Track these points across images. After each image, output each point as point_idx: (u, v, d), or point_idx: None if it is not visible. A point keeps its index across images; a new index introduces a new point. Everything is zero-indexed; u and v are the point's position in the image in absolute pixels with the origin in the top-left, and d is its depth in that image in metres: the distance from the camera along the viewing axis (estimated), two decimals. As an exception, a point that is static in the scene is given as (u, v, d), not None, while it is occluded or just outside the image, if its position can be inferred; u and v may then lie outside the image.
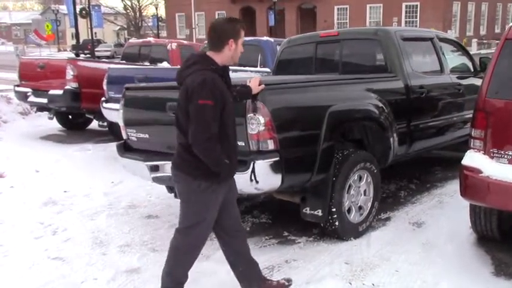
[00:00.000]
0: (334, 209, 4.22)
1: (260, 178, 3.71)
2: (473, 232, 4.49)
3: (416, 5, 38.71)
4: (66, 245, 4.46)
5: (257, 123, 3.66)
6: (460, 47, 6.47)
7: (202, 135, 2.90)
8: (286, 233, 4.69)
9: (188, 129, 2.96)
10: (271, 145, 3.71)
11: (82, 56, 26.41)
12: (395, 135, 4.84)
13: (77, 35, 26.96)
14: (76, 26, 22.42)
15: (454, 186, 6.03)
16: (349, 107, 4.40)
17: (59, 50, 49.27)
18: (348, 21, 41.06)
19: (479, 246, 4.34)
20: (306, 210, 4.26)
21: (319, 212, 4.18)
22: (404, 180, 6.31)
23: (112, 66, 8.20)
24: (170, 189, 4.56)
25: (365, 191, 4.60)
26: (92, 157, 7.88)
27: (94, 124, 9.77)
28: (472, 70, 6.48)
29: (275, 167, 3.74)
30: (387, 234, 4.59)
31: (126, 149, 4.72)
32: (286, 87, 3.94)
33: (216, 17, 48.34)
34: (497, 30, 45.15)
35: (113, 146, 8.06)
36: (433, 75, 5.61)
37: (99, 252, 4.29)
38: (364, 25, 36.09)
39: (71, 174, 6.71)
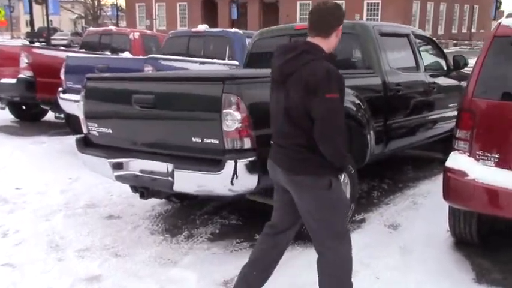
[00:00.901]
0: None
1: (235, 180, 3.43)
2: (450, 235, 4.34)
3: (378, 3, 39.25)
4: (17, 249, 4.06)
5: (233, 119, 3.37)
6: (434, 45, 6.34)
7: (333, 131, 2.60)
8: (258, 236, 4.42)
9: (307, 126, 2.63)
10: (247, 143, 3.43)
11: (37, 44, 25.37)
12: (372, 133, 4.65)
13: (31, 22, 25.92)
14: (31, 13, 21.52)
15: (426, 186, 5.93)
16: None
17: (12, 37, 47.43)
18: (310, 17, 41.06)
19: (458, 251, 4.19)
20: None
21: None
22: (376, 179, 6.14)
23: (70, 54, 7.72)
24: (134, 188, 4.21)
25: (342, 192, 4.38)
26: (47, 151, 7.40)
27: (50, 115, 9.23)
28: (445, 68, 6.37)
29: (251, 167, 3.46)
30: (364, 238, 4.38)
31: (87, 144, 4.35)
32: (263, 81, 3.65)
33: (178, 8, 47.69)
34: (454, 31, 46.29)
35: (69, 139, 7.66)
36: (409, 72, 5.45)
37: (55, 258, 3.91)
38: (326, 21, 36.06)
39: (24, 170, 6.25)
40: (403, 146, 5.42)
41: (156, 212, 4.92)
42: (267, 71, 4.61)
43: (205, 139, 3.52)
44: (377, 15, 38.85)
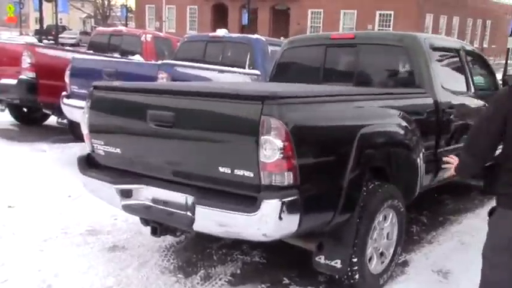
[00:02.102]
0: (355, 259, 3.31)
1: (271, 222, 2.76)
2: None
3: (390, 14, 38.69)
4: (1, 289, 3.40)
5: (273, 148, 2.71)
6: (483, 61, 5.66)
7: None
8: (286, 280, 3.75)
9: None
10: (288, 178, 2.76)
11: (45, 42, 24.81)
12: (423, 162, 3.97)
13: (40, 20, 25.36)
14: (40, 10, 20.99)
15: (470, 221, 5.25)
16: (381, 128, 3.50)
17: (21, 34, 47.00)
18: (321, 25, 40.67)
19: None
20: (320, 259, 3.33)
21: (338, 264, 3.27)
22: (413, 210, 5.46)
23: (77, 56, 7.07)
24: (145, 221, 3.55)
25: (388, 234, 3.71)
26: (47, 160, 6.74)
27: (52, 119, 8.58)
28: (493, 89, 5.71)
29: (292, 208, 2.79)
30: (412, 287, 3.71)
31: (91, 164, 3.68)
32: (309, 101, 3.00)
33: (188, 11, 47.15)
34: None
35: (72, 148, 7.01)
36: (460, 93, 4.78)
37: (47, 303, 3.25)
38: (337, 30, 35.58)
39: (20, 183, 5.59)
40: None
41: (167, 242, 4.24)
42: (313, 88, 4.00)
43: (236, 170, 2.86)
44: (389, 26, 38.28)
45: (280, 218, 2.76)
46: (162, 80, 5.42)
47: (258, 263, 4.01)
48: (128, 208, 3.38)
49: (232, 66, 6.74)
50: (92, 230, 4.42)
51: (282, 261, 3.94)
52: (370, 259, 3.53)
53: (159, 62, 6.35)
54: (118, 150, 3.47)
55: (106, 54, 8.46)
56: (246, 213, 2.77)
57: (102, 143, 3.56)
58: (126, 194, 3.37)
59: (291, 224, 2.84)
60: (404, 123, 3.77)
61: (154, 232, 3.30)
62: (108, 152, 3.54)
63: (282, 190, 2.77)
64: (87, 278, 3.57)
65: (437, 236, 4.82)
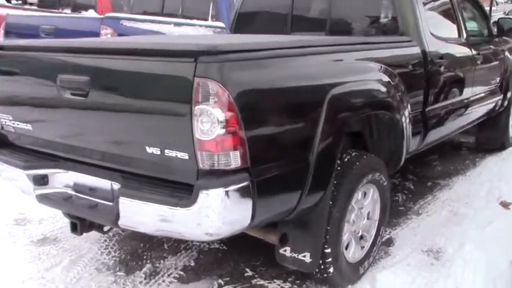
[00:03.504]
0: (328, 250, 2.69)
1: (215, 217, 2.10)
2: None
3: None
4: None
5: (212, 121, 2.02)
6: (475, 4, 4.94)
7: None
8: (249, 272, 3.14)
9: None
10: (235, 159, 2.09)
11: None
12: (409, 124, 3.32)
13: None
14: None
15: (462, 186, 4.66)
16: (358, 86, 2.80)
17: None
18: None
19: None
20: (286, 251, 2.71)
21: (307, 257, 2.64)
22: (397, 175, 4.85)
23: (12, 12, 6.20)
24: (68, 214, 2.82)
25: (368, 213, 3.10)
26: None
27: None
28: (487, 34, 5.04)
29: (241, 197, 2.13)
30: (398, 275, 3.11)
31: (1, 143, 2.96)
32: (262, 56, 2.28)
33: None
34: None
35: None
36: (452, 40, 4.10)
37: None
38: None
39: None
40: (442, 136, 4.11)
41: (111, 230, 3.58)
42: (269, 39, 3.24)
43: (166, 151, 2.17)
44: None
45: (225, 211, 2.10)
46: (106, 36, 4.64)
47: (217, 251, 3.38)
48: (43, 199, 2.68)
49: (193, 19, 5.96)
50: (21, 218, 3.74)
51: (246, 248, 3.31)
52: (347, 246, 2.92)
53: (102, 16, 5.52)
54: (29, 127, 2.75)
55: (54, 10, 7.54)
56: (180, 207, 2.10)
57: (11, 117, 2.83)
58: (40, 181, 2.68)
59: (241, 217, 2.18)
60: (386, 79, 3.09)
61: (74, 229, 2.62)
62: (17, 128, 2.82)
63: (227, 175, 2.09)
64: (6, 281, 2.91)
65: (426, 205, 4.24)
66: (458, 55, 4.12)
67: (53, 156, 2.72)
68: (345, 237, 2.85)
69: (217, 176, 2.08)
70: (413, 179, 4.82)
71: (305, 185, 2.44)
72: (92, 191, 2.59)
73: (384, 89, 3.04)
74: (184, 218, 2.13)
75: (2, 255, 3.21)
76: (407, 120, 3.28)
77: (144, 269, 3.13)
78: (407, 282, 3.04)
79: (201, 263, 3.23)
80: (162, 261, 3.24)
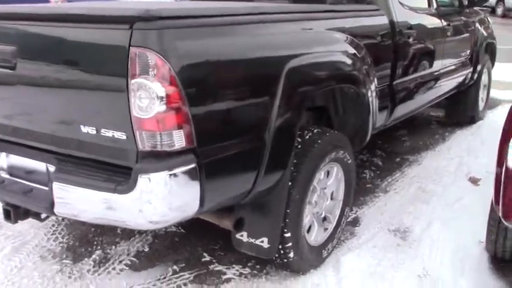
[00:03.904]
0: (288, 234, 2.52)
1: (157, 204, 1.89)
2: (485, 251, 2.99)
3: None
4: None
5: (151, 97, 1.79)
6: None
7: None
8: (207, 257, 2.95)
9: None
10: (178, 139, 1.87)
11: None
12: (375, 98, 3.15)
13: None
14: None
15: (431, 162, 4.54)
16: (320, 58, 2.59)
17: None
18: None
19: (501, 276, 2.84)
20: (242, 236, 2.52)
21: (264, 242, 2.46)
22: (364, 150, 4.69)
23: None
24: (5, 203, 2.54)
25: (332, 194, 2.92)
26: None
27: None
28: (457, 5, 4.86)
29: (187, 181, 1.92)
30: (363, 258, 2.97)
31: None
32: (208, 22, 2.03)
33: None
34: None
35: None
36: (421, 11, 3.91)
37: None
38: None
39: None
40: (410, 111, 3.95)
41: (59, 213, 3.34)
42: (217, 4, 2.99)
43: (103, 130, 1.94)
44: None
45: (169, 197, 1.89)
46: (56, 3, 4.30)
47: (174, 234, 3.18)
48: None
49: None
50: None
51: (205, 231, 3.11)
52: (309, 229, 2.75)
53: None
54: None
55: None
56: (118, 194, 1.87)
57: None
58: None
59: (188, 203, 1.98)
60: (351, 50, 2.88)
61: (8, 216, 2.37)
62: None
63: (170, 157, 1.87)
64: None
65: (394, 182, 4.09)
66: (428, 26, 3.95)
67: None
68: (307, 220, 2.68)
69: (159, 159, 1.87)
70: (382, 155, 4.67)
71: (261, 166, 2.24)
72: (28, 174, 2.35)
73: (349, 61, 2.84)
74: (123, 205, 1.91)
75: None
76: (374, 94, 3.10)
77: (94, 256, 2.92)
78: (373, 264, 2.90)
79: (155, 248, 3.03)
80: (113, 246, 3.03)
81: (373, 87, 3.10)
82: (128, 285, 2.67)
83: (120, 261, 2.88)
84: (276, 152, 2.27)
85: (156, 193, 1.87)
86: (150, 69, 1.78)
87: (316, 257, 2.80)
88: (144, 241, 3.09)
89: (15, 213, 2.30)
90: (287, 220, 2.48)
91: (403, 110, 3.68)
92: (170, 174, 1.86)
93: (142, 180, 1.83)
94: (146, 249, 3.01)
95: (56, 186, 2.03)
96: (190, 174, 1.91)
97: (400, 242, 3.18)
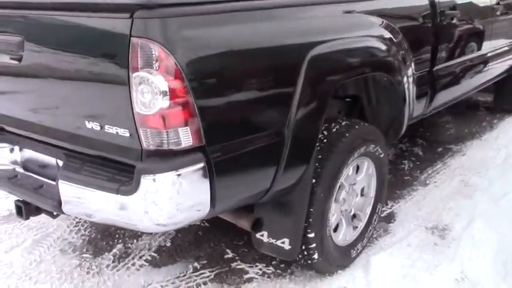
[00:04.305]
0: (312, 234, 2.35)
1: (163, 206, 1.76)
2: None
3: None
4: None
5: (153, 91, 1.65)
6: None
7: None
8: (230, 253, 2.83)
9: None
10: (186, 138, 1.72)
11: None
12: (413, 86, 2.91)
13: None
14: None
15: (477, 152, 4.25)
16: (345, 46, 2.37)
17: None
18: None
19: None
20: (262, 236, 2.37)
21: (285, 243, 2.31)
22: (405, 140, 4.44)
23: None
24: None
25: (362, 190, 2.73)
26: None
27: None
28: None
29: (196, 182, 1.78)
30: (396, 258, 2.77)
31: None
32: (218, 9, 1.86)
33: None
34: None
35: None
36: (466, -12, 3.60)
37: None
38: None
39: None
40: (451, 99, 3.67)
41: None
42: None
43: (106, 127, 1.82)
44: None
45: (176, 198, 1.76)
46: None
47: (197, 229, 3.07)
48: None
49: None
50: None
51: (230, 225, 2.97)
52: (336, 228, 2.58)
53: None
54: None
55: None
56: (121, 195, 1.76)
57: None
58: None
59: (197, 205, 1.84)
60: (386, 35, 2.65)
61: (19, 212, 2.30)
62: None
63: (176, 156, 1.73)
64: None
65: (435, 174, 3.85)
66: (474, 4, 3.63)
67: (1, 130, 2.39)
68: (333, 219, 2.50)
69: (164, 158, 1.73)
70: (423, 144, 4.41)
71: (280, 163, 2.07)
72: (41, 168, 2.28)
73: (382, 47, 2.61)
74: (128, 207, 1.79)
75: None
76: (410, 81, 2.86)
77: (114, 250, 2.85)
78: (406, 266, 2.70)
79: (177, 243, 2.93)
80: (135, 240, 2.95)
81: (409, 74, 2.86)
82: (146, 283, 2.59)
83: (141, 257, 2.79)
84: (296, 147, 2.10)
85: (161, 194, 1.74)
86: (153, 62, 1.64)
87: (344, 257, 2.63)
88: (166, 235, 3.00)
89: (26, 210, 2.22)
90: (310, 220, 2.31)
91: (444, 97, 3.42)
92: (176, 175, 1.72)
93: (146, 181, 1.70)
94: (168, 244, 2.92)
95: (62, 184, 1.93)
96: (199, 174, 1.77)
97: (437, 241, 2.96)
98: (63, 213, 2.06)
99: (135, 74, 1.65)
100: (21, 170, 2.34)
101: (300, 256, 2.43)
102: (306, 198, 2.25)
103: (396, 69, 2.70)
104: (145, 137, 1.72)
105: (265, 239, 2.35)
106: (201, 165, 1.76)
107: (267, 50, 1.97)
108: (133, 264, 2.73)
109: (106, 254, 2.82)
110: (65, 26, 1.85)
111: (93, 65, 1.80)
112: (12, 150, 2.34)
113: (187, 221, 1.92)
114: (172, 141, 1.71)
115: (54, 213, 2.34)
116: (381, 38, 2.60)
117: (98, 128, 1.84)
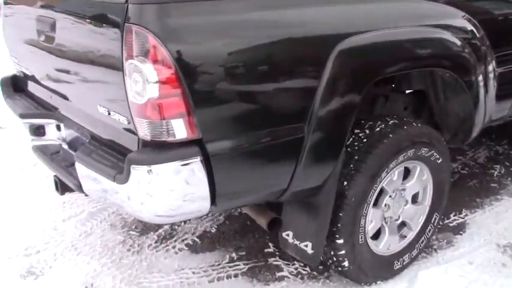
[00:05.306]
0: (340, 240, 2.17)
1: (159, 198, 1.72)
2: None
3: None
4: None
5: (144, 80, 1.59)
6: None
7: None
8: (271, 248, 2.73)
9: None
10: (180, 130, 1.65)
11: None
12: (492, 84, 2.54)
13: None
14: None
15: None
16: (395, 37, 2.12)
17: None
18: None
19: None
20: (288, 236, 2.24)
21: (308, 247, 2.15)
22: (504, 142, 3.95)
23: None
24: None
25: (414, 197, 2.46)
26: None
27: None
28: None
29: (191, 176, 1.71)
30: (451, 275, 2.48)
31: (16, 87, 2.82)
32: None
33: None
34: None
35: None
36: None
37: None
38: None
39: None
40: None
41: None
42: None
43: (112, 113, 1.82)
44: None
45: (172, 191, 1.71)
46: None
47: (247, 217, 3.00)
48: (35, 150, 2.48)
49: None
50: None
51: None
52: (377, 235, 2.36)
53: None
54: (28, 72, 2.57)
55: None
56: (116, 181, 1.75)
57: (16, 60, 2.67)
58: (35, 131, 2.47)
59: (195, 200, 1.76)
60: (467, 25, 2.34)
61: (56, 187, 2.40)
62: (22, 72, 2.66)
63: (171, 149, 1.67)
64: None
65: (526, 184, 3.38)
66: None
67: (51, 106, 2.51)
68: (371, 226, 2.29)
69: (157, 149, 1.68)
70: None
71: (298, 162, 1.92)
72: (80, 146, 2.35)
73: (450, 38, 2.30)
74: (122, 196, 1.78)
75: (31, 201, 3.18)
76: (488, 79, 2.50)
77: (160, 231, 2.89)
78: (459, 286, 2.40)
79: (222, 231, 2.90)
80: (182, 223, 2.96)
81: (488, 70, 2.50)
82: (180, 267, 2.59)
83: (183, 240, 2.81)
84: (320, 147, 1.94)
85: (156, 186, 1.70)
86: (146, 50, 1.58)
87: (384, 268, 2.41)
88: (214, 221, 2.98)
89: (61, 185, 2.31)
90: (339, 225, 2.13)
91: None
92: (168, 167, 1.66)
93: (135, 171, 1.67)
94: (213, 231, 2.89)
95: (77, 165, 1.97)
96: (195, 168, 1.69)
97: (507, 261, 2.60)
98: (84, 193, 2.11)
99: (128, 62, 1.61)
100: (66, 147, 2.44)
101: (330, 261, 2.26)
102: (331, 202, 2.08)
103: (465, 66, 2.37)
104: (141, 127, 1.68)
105: (290, 239, 2.22)
106: (197, 159, 1.68)
107: (285, 42, 1.81)
108: (173, 247, 2.75)
109: (151, 233, 2.87)
110: (77, 9, 1.87)
111: (95, 50, 1.80)
112: (58, 127, 2.44)
113: (187, 216, 1.88)
114: (166, 132, 1.65)
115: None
116: (446, 27, 2.30)
117: (106, 113, 1.84)
